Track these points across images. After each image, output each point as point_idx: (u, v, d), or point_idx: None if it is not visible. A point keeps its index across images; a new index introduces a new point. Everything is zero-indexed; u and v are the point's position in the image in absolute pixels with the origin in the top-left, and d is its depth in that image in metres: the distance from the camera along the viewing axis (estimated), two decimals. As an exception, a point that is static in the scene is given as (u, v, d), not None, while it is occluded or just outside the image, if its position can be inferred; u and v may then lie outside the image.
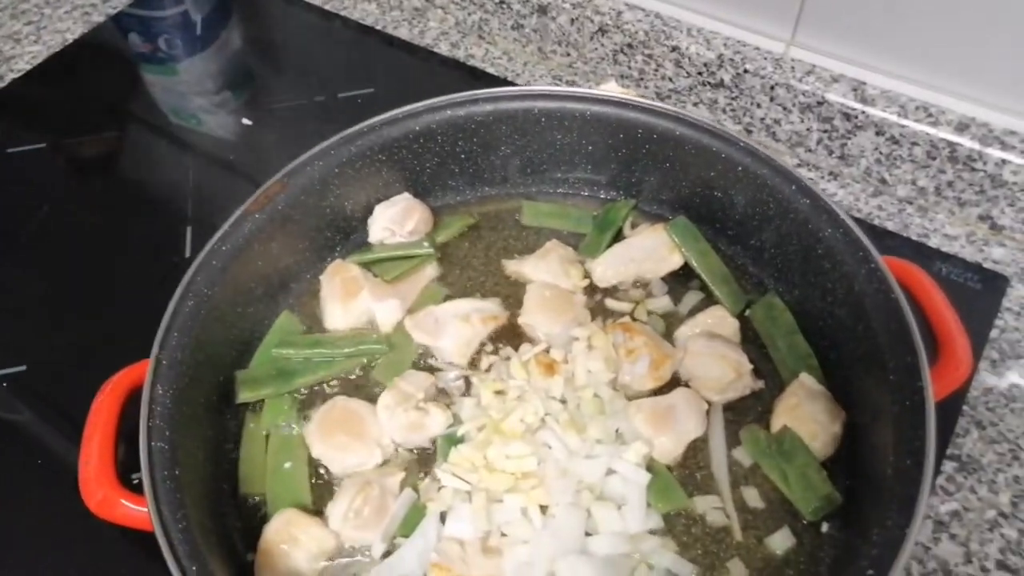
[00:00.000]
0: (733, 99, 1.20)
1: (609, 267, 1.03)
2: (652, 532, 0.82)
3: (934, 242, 1.10)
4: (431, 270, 1.05)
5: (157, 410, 0.78)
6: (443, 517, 0.82)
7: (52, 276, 1.14)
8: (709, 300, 1.00)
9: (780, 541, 0.82)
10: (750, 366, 0.92)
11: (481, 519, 0.81)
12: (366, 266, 1.04)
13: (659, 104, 1.00)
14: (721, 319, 0.96)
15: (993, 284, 1.04)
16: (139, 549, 0.85)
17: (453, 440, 0.88)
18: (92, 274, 1.13)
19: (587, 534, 0.81)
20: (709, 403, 0.90)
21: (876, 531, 0.69)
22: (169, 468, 0.75)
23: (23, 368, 1.03)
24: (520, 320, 0.99)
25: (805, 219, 0.91)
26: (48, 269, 1.15)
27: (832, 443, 0.86)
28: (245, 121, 1.34)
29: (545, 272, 1.01)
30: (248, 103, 1.38)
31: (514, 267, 1.05)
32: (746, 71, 1.15)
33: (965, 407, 0.95)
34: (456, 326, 0.96)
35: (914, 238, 1.10)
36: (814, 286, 0.93)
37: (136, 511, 0.76)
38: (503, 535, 0.81)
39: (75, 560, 0.87)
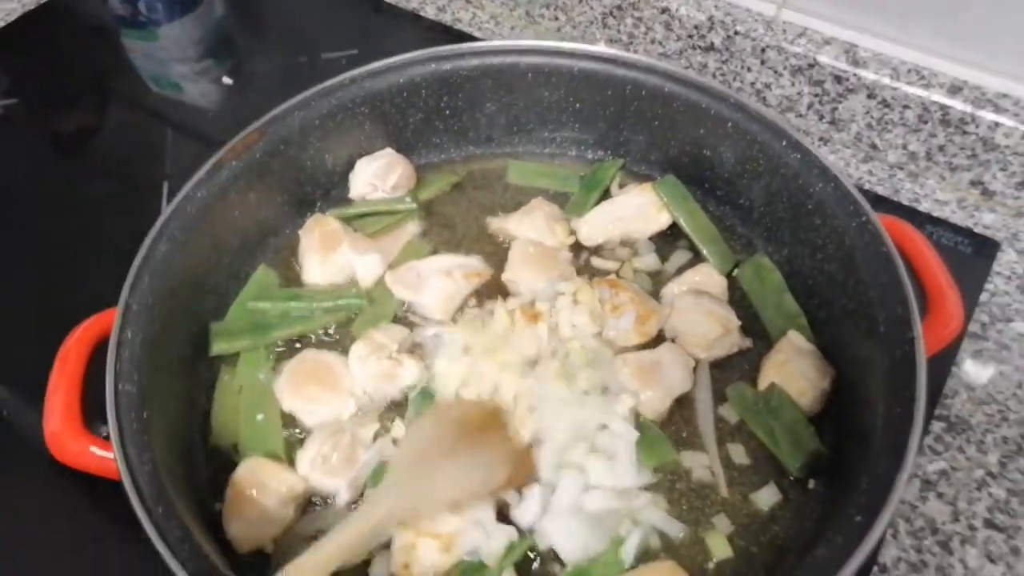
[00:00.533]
0: (723, 63, 1.18)
1: (596, 226, 1.00)
2: (642, 489, 0.81)
3: (924, 207, 1.08)
4: (413, 226, 1.03)
5: (125, 353, 0.76)
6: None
7: (21, 237, 1.10)
8: (697, 260, 0.98)
9: (766, 497, 0.80)
10: (738, 322, 0.90)
11: None
12: (347, 221, 1.01)
13: (647, 59, 0.98)
14: (708, 276, 0.94)
15: (983, 249, 1.03)
16: (108, 500, 0.82)
17: (428, 395, 0.86)
18: (64, 232, 1.10)
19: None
20: (696, 360, 0.89)
21: (865, 479, 0.68)
22: (137, 411, 0.72)
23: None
24: (504, 276, 0.96)
25: (795, 174, 0.89)
26: (16, 230, 1.11)
27: (820, 400, 0.85)
28: (226, 80, 1.31)
29: (530, 229, 0.99)
30: (231, 71, 1.34)
31: (498, 224, 1.02)
32: (737, 33, 1.14)
33: (954, 368, 0.93)
34: (439, 281, 0.94)
35: (904, 203, 1.09)
36: (804, 244, 0.91)
37: (103, 457, 0.74)
38: None
39: (42, 512, 0.84)
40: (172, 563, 0.64)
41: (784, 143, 0.90)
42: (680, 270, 0.98)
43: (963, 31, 1.02)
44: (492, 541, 0.76)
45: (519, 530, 0.78)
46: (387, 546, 0.77)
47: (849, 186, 0.84)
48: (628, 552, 0.76)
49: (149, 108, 1.28)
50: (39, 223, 1.12)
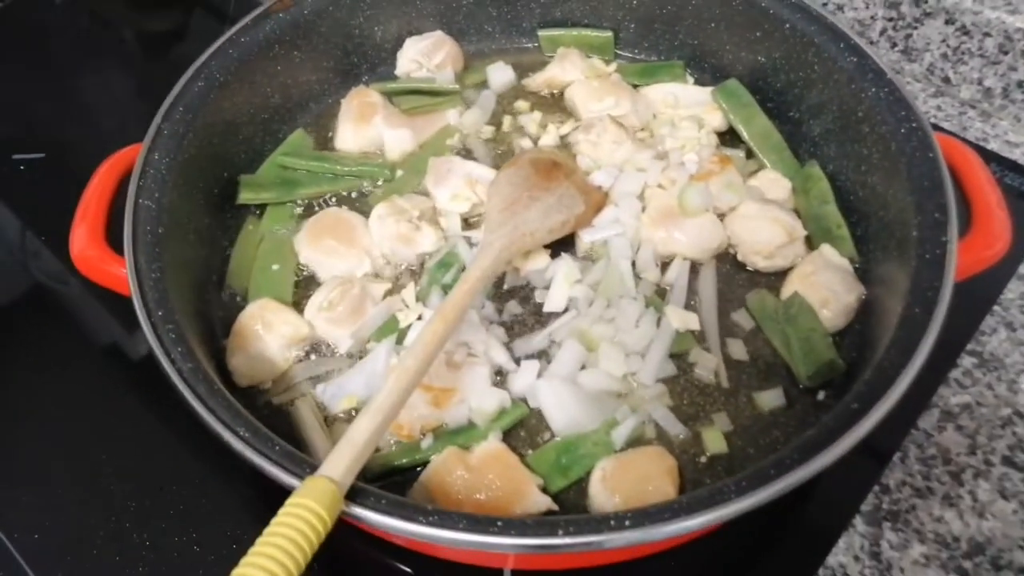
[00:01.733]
0: (797, -20, 1.13)
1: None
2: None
3: (993, 146, 1.02)
4: (453, 114, 1.02)
5: (150, 172, 0.77)
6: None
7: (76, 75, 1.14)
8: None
9: (769, 399, 0.78)
10: (803, 232, 0.86)
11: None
12: (389, 98, 1.01)
13: (710, -46, 0.95)
14: (773, 183, 0.91)
15: (1050, 193, 0.97)
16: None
17: (445, 264, 0.85)
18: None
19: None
20: (756, 267, 0.87)
21: (869, 372, 0.64)
22: (153, 225, 0.74)
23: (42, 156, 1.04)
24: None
25: (849, 79, 0.85)
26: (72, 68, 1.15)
27: (844, 314, 0.81)
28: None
29: (572, 69, 1.01)
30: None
31: (541, 79, 1.03)
32: (814, -54, 1.08)
33: (996, 307, 0.88)
34: (459, 184, 0.91)
35: (972, 140, 1.02)
36: (849, 157, 0.87)
37: (118, 272, 0.75)
38: (469, 355, 0.79)
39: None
40: (164, 361, 0.65)
41: (841, 45, 0.85)
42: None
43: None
44: (484, 402, 0.76)
45: (513, 399, 0.78)
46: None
47: (903, 91, 0.80)
48: (619, 436, 0.75)
49: None
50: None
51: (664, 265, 0.87)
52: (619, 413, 0.77)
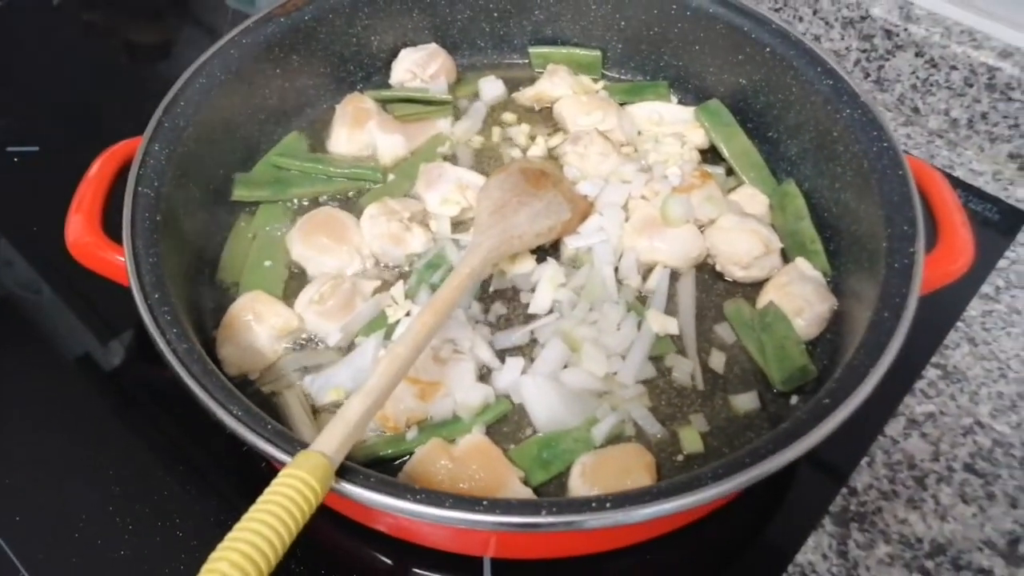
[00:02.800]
0: (777, 10, 1.18)
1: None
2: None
3: (959, 173, 1.07)
4: (444, 123, 1.05)
5: (150, 162, 0.79)
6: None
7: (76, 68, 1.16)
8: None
9: (744, 401, 0.80)
10: (780, 245, 0.90)
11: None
12: (382, 105, 1.04)
13: (696, -20, 0.99)
14: (751, 198, 0.94)
15: (1011, 217, 1.02)
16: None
17: (434, 265, 0.88)
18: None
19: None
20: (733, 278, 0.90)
21: (840, 371, 0.67)
22: (151, 212, 0.76)
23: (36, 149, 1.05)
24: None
25: (825, 101, 0.89)
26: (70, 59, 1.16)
27: (817, 323, 0.84)
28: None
29: (561, 85, 1.04)
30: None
31: (531, 93, 1.06)
32: (793, -21, 1.14)
33: (960, 323, 0.92)
34: (449, 189, 0.94)
35: (939, 167, 1.07)
36: (824, 175, 0.91)
37: (114, 259, 0.77)
38: (455, 351, 0.81)
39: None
40: (160, 341, 0.66)
41: (818, 69, 0.90)
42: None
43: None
44: (469, 396, 0.78)
45: (497, 395, 0.80)
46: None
47: (876, 112, 0.84)
48: (600, 432, 0.77)
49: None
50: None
51: (646, 273, 0.90)
52: (599, 411, 0.79)
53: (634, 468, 0.73)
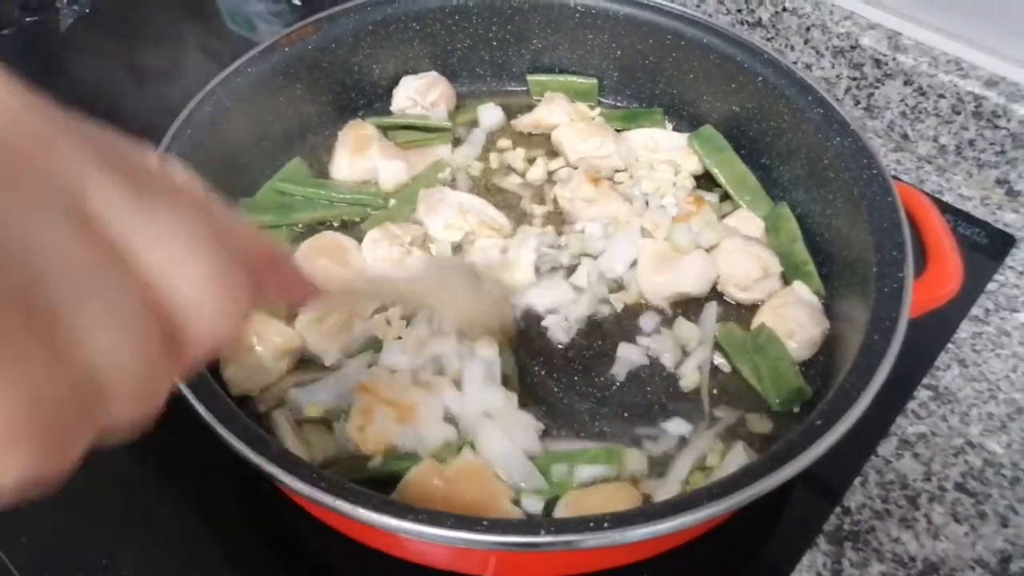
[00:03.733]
0: (769, 39, 1.21)
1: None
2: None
3: (948, 198, 1.09)
4: (444, 150, 1.07)
5: (157, 188, 0.81)
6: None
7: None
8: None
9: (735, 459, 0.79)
10: (779, 268, 0.91)
11: (416, 352, 0.83)
12: (383, 132, 1.06)
13: (690, 11, 1.02)
14: (747, 221, 0.96)
15: (1000, 242, 1.04)
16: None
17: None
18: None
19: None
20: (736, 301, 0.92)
21: (832, 393, 0.69)
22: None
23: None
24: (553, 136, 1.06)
25: (816, 129, 0.91)
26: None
27: (809, 346, 0.86)
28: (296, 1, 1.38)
29: (559, 112, 1.06)
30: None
31: (527, 120, 1.08)
32: (785, 9, 1.17)
33: (951, 345, 0.94)
34: (451, 213, 0.96)
35: (929, 192, 1.10)
36: (816, 200, 0.93)
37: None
38: (436, 373, 0.82)
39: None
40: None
41: (809, 98, 0.92)
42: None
43: (1010, 28, 1.04)
44: (432, 432, 0.78)
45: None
46: (347, 410, 0.79)
47: (866, 140, 0.87)
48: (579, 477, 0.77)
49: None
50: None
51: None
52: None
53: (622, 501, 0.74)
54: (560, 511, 0.73)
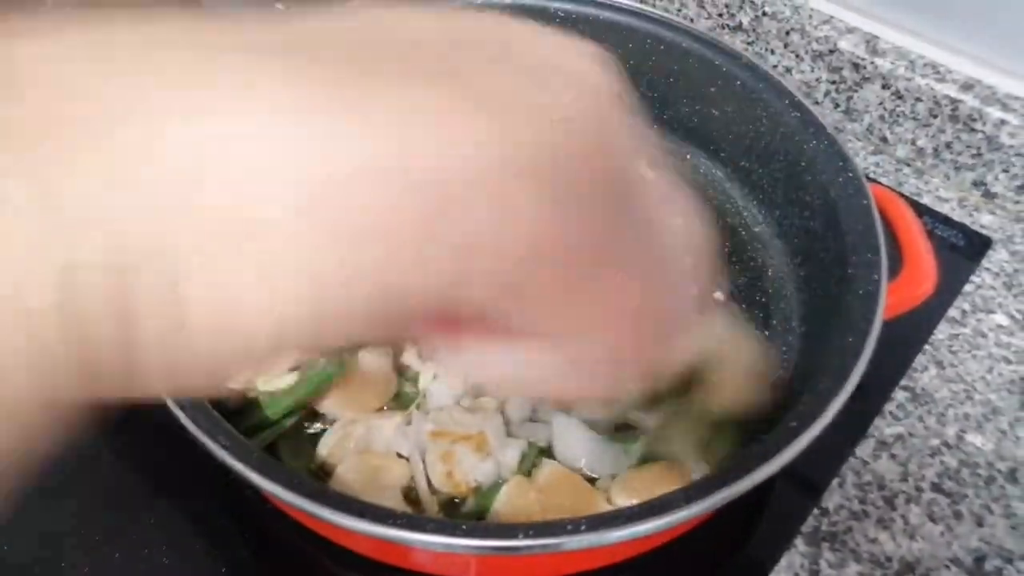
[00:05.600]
0: (749, 44, 1.22)
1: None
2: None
3: (926, 200, 1.11)
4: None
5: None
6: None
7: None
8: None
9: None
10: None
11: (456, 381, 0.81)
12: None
13: (669, 16, 1.03)
14: None
15: (976, 244, 1.05)
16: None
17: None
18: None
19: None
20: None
21: (806, 397, 0.70)
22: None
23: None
24: None
25: (793, 132, 0.92)
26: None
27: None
28: (278, 6, 1.38)
29: None
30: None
31: None
32: (764, 14, 1.18)
33: (927, 347, 0.95)
34: None
35: (907, 195, 1.11)
36: (794, 203, 0.94)
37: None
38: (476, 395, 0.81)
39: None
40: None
41: (786, 102, 0.93)
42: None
43: (989, 34, 1.05)
44: (508, 451, 0.78)
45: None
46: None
47: (841, 144, 0.88)
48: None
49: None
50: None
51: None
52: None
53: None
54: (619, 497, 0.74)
